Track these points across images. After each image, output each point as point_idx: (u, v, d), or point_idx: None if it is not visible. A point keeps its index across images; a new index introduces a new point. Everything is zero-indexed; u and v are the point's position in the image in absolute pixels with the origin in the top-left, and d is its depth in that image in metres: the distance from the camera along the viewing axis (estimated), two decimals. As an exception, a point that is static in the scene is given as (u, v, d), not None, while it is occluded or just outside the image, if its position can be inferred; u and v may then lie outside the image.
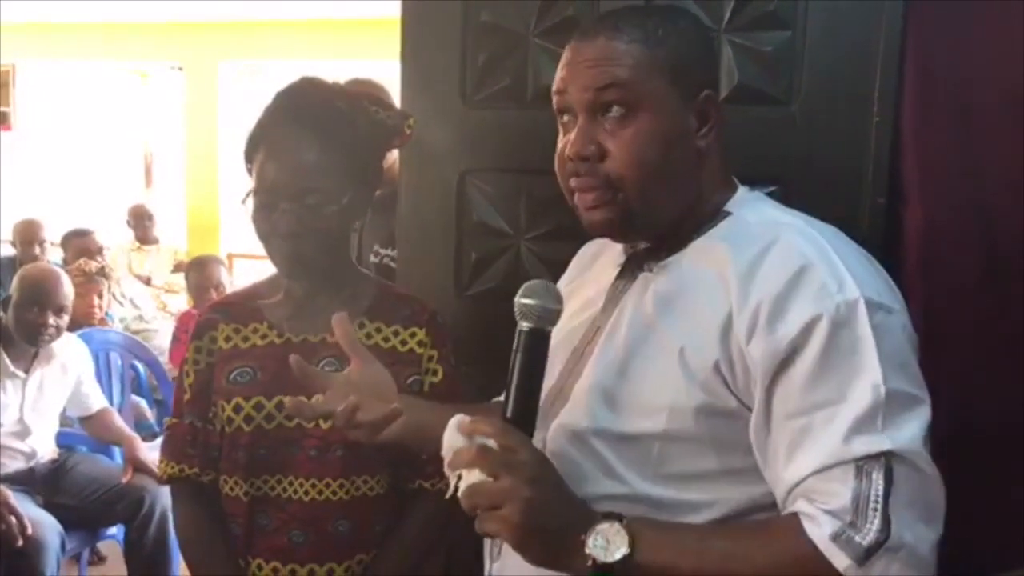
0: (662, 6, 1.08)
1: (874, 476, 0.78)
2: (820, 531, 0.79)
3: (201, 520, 1.30)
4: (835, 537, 0.78)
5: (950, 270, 1.25)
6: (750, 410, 0.86)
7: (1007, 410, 1.22)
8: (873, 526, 0.77)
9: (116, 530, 2.81)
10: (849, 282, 0.82)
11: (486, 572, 1.02)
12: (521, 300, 0.89)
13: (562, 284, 1.12)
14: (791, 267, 0.83)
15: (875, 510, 0.77)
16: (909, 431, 0.79)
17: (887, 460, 0.78)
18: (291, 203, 1.19)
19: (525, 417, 0.87)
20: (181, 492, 1.32)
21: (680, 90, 0.91)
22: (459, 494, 0.83)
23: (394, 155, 1.64)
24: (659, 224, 0.95)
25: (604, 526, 0.82)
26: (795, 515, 0.81)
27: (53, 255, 4.48)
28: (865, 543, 0.77)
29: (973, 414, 1.22)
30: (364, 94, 1.32)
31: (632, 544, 0.81)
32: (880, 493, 0.77)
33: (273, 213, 1.20)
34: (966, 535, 1.14)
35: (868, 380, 0.79)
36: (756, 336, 0.82)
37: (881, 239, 1.27)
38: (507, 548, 0.91)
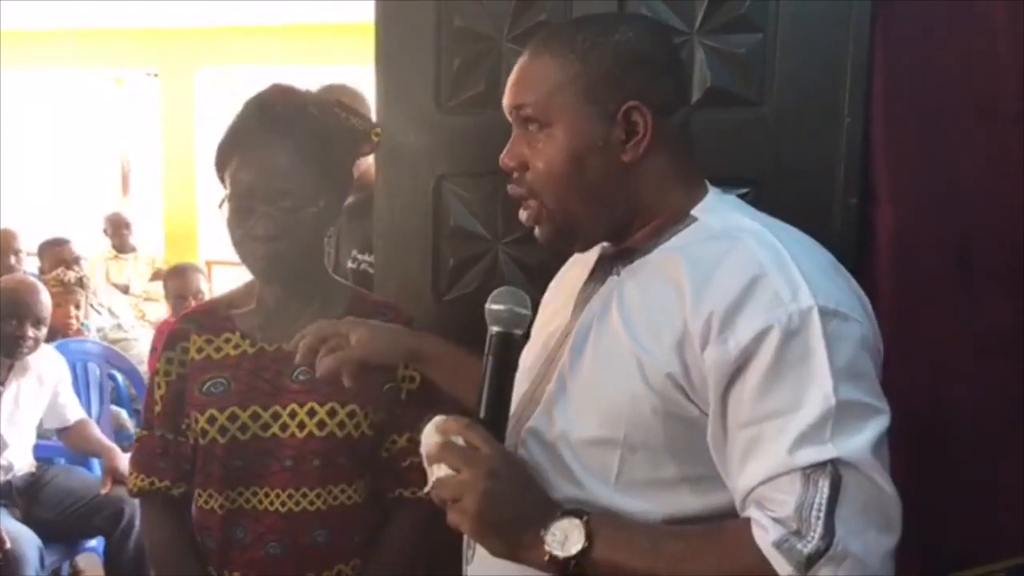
0: (611, 16, 1.07)
1: (820, 484, 0.77)
2: (766, 538, 0.79)
3: (172, 534, 1.29)
4: (778, 544, 0.78)
5: (921, 268, 1.26)
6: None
7: (978, 407, 1.24)
8: (816, 534, 0.77)
9: (96, 543, 2.78)
10: (803, 290, 0.81)
11: (463, 574, 1.03)
12: (490, 306, 0.94)
13: (550, 288, 1.14)
14: (745, 276, 0.83)
15: (818, 518, 0.77)
16: (859, 440, 0.79)
17: (834, 468, 0.78)
18: (267, 206, 1.19)
19: (496, 418, 0.91)
20: (151, 506, 1.31)
21: (598, 105, 0.91)
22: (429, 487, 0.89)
23: (368, 161, 1.64)
24: (591, 232, 0.98)
25: (563, 522, 0.84)
26: (748, 520, 0.82)
27: (29, 265, 4.43)
28: (806, 551, 0.77)
29: (944, 411, 1.24)
30: (334, 100, 1.32)
31: (589, 540, 0.83)
32: (824, 501, 0.77)
33: (249, 217, 1.20)
34: (939, 530, 1.16)
35: (818, 390, 0.79)
36: (710, 345, 0.83)
37: (853, 239, 1.29)
38: (481, 550, 0.93)
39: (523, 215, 0.98)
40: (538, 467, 0.93)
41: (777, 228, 0.91)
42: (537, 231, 0.98)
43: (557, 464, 0.93)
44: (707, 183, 1.00)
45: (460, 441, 0.87)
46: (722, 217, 0.93)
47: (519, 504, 0.86)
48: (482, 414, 0.91)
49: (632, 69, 0.92)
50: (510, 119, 0.98)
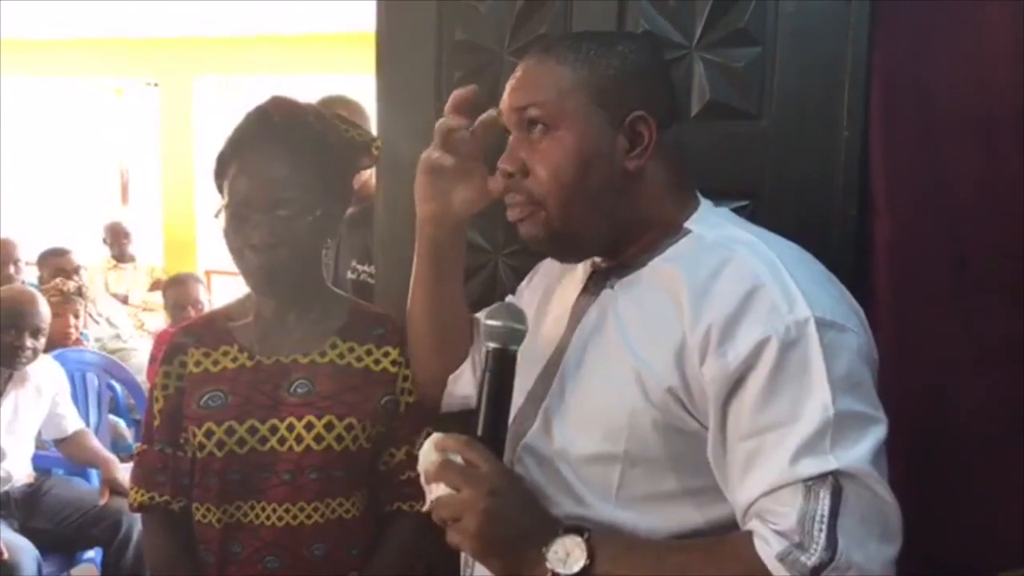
0: (611, 31, 1.09)
1: (822, 496, 0.78)
2: (769, 551, 0.79)
3: (172, 549, 1.28)
4: (782, 557, 0.78)
5: (919, 278, 1.27)
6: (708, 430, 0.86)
7: (977, 417, 1.24)
8: (819, 545, 0.77)
9: (94, 554, 2.77)
10: (800, 302, 0.82)
11: None
12: (486, 322, 0.93)
13: (523, 289, 1.14)
14: (742, 288, 0.84)
15: (820, 530, 0.77)
16: (859, 451, 0.79)
17: (835, 480, 0.78)
18: (264, 215, 1.19)
19: (494, 434, 0.91)
20: (152, 520, 1.31)
21: (607, 111, 0.92)
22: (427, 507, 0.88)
23: (368, 172, 1.64)
24: (589, 242, 0.97)
25: (564, 539, 0.84)
26: (750, 533, 0.82)
27: (28, 274, 4.43)
28: (810, 563, 0.77)
29: (943, 421, 1.24)
30: (334, 112, 1.33)
31: (591, 557, 0.82)
32: (826, 512, 0.77)
33: (246, 226, 1.20)
34: (938, 539, 1.16)
35: (817, 401, 0.79)
36: (708, 358, 0.83)
37: (852, 250, 1.29)
38: (480, 568, 0.92)
39: (511, 212, 0.97)
40: (535, 483, 0.93)
41: (770, 239, 0.92)
42: (522, 228, 0.97)
43: (555, 480, 0.93)
44: (699, 195, 1.00)
45: (459, 459, 0.87)
46: (716, 229, 0.94)
47: (520, 522, 0.86)
48: (480, 431, 0.90)
49: (637, 79, 0.93)
50: (507, 123, 0.98)
